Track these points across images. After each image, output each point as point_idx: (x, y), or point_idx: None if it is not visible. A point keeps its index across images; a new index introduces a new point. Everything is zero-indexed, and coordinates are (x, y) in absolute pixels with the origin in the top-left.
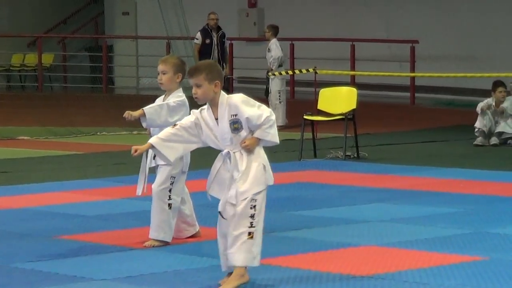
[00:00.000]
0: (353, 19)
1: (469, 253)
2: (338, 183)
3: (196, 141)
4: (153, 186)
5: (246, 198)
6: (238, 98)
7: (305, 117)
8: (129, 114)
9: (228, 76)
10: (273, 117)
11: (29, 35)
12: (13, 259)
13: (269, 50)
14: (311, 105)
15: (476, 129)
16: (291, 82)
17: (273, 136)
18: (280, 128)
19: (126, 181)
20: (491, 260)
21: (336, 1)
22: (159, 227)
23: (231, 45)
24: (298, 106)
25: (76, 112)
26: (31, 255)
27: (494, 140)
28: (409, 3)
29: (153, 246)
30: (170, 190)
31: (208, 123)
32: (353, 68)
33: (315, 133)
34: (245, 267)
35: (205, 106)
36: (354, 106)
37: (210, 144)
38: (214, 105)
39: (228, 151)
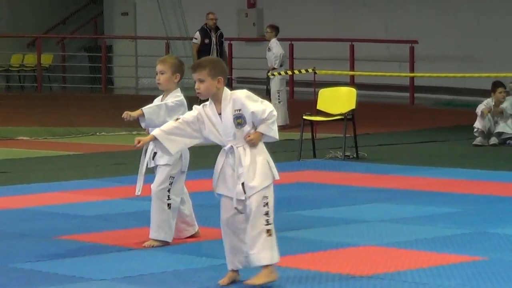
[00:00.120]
0: (352, 19)
1: (469, 253)
2: (337, 183)
3: (198, 136)
4: (152, 186)
5: (256, 193)
6: (242, 93)
7: (304, 117)
8: (128, 115)
9: (227, 76)
10: (275, 112)
11: (28, 36)
12: (13, 259)
13: (269, 49)
14: (311, 105)
15: (475, 129)
16: (291, 82)
17: (275, 132)
18: (281, 128)
19: (125, 181)
20: (490, 260)
21: (336, 1)
22: (159, 227)
23: (230, 46)
24: (298, 106)
25: (76, 112)
26: (31, 255)
27: (493, 140)
28: (409, 3)
29: (153, 246)
30: (169, 190)
31: (211, 118)
32: (352, 68)
33: (314, 133)
34: (271, 265)
35: (207, 102)
36: (353, 106)
37: (213, 139)
38: (217, 100)
39: (231, 146)
